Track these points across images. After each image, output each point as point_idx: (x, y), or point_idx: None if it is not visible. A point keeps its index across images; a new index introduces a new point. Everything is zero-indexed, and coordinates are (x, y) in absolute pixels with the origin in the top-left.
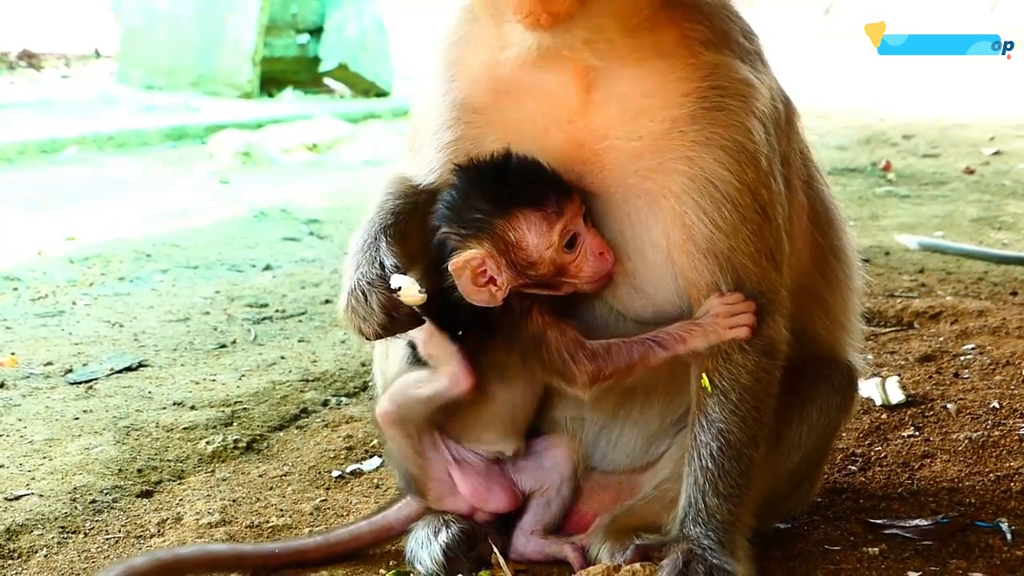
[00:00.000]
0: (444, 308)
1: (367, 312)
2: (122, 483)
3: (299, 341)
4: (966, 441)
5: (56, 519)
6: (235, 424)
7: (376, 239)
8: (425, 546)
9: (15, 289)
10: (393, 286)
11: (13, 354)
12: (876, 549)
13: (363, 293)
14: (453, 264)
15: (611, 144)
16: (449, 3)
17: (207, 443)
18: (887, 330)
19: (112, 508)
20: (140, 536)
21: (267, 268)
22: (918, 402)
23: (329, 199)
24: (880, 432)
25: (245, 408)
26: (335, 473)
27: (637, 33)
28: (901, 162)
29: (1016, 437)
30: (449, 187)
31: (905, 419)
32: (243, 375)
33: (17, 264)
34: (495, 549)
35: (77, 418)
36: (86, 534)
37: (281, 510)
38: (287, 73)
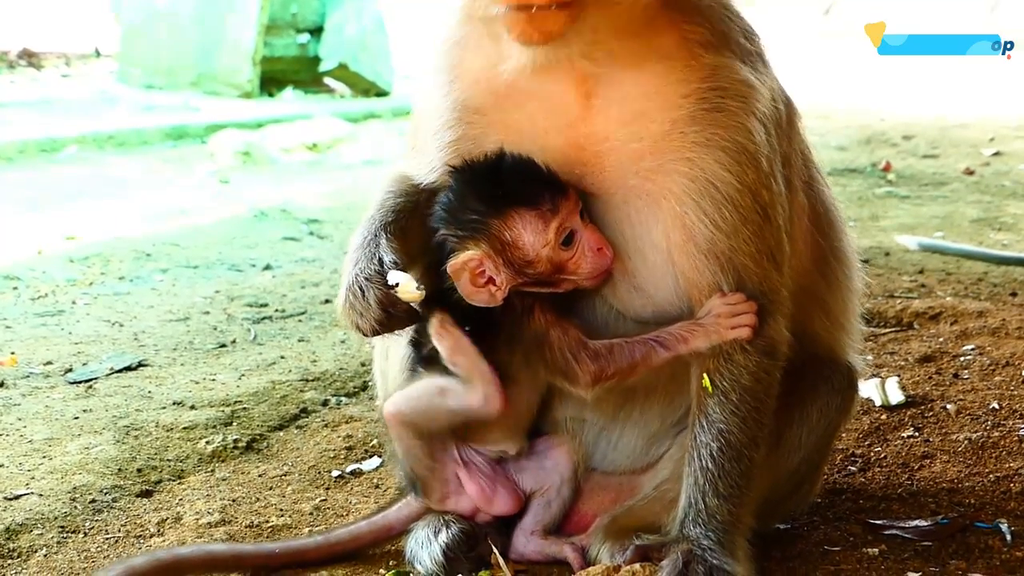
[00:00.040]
0: (448, 309)
1: (364, 308)
2: (122, 483)
3: (299, 341)
4: (966, 442)
5: (56, 519)
6: (235, 424)
7: (376, 236)
8: (425, 546)
9: (15, 288)
10: (390, 282)
11: (13, 353)
12: (876, 550)
13: (360, 289)
14: (451, 266)
15: (612, 146)
16: (449, 2)
17: (207, 443)
18: (887, 331)
19: (112, 508)
20: (140, 536)
21: (267, 268)
22: (918, 403)
23: (329, 199)
24: (880, 433)
25: (245, 408)
26: (335, 473)
27: (635, 37)
28: (901, 162)
29: (1016, 438)
30: (445, 189)
31: (905, 420)
32: (243, 375)
33: (17, 263)
34: (495, 549)
35: (77, 417)
36: (86, 534)
37: (281, 510)
38: (287, 73)
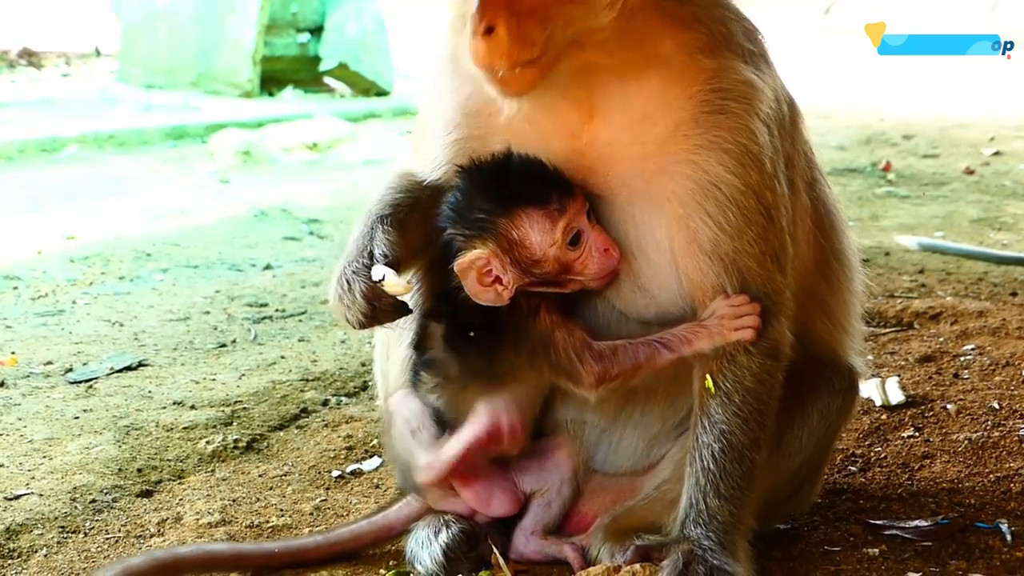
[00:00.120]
0: (453, 310)
1: (351, 301)
2: (122, 483)
3: (299, 341)
4: (966, 442)
5: (56, 519)
6: (235, 424)
7: (371, 229)
8: (425, 546)
9: (15, 288)
10: (374, 276)
11: (13, 353)
12: (876, 550)
13: (347, 282)
14: (458, 264)
15: (615, 150)
16: (449, 2)
17: (207, 443)
18: (887, 330)
19: (112, 508)
20: (140, 536)
21: (267, 267)
22: (918, 403)
23: (329, 198)
24: (880, 433)
25: (245, 408)
26: (335, 473)
27: (631, 49)
28: (901, 162)
29: (1016, 438)
30: (452, 188)
31: (905, 420)
32: (243, 375)
33: (17, 263)
34: (495, 549)
35: (77, 417)
36: (86, 534)
37: (281, 510)
38: (287, 72)
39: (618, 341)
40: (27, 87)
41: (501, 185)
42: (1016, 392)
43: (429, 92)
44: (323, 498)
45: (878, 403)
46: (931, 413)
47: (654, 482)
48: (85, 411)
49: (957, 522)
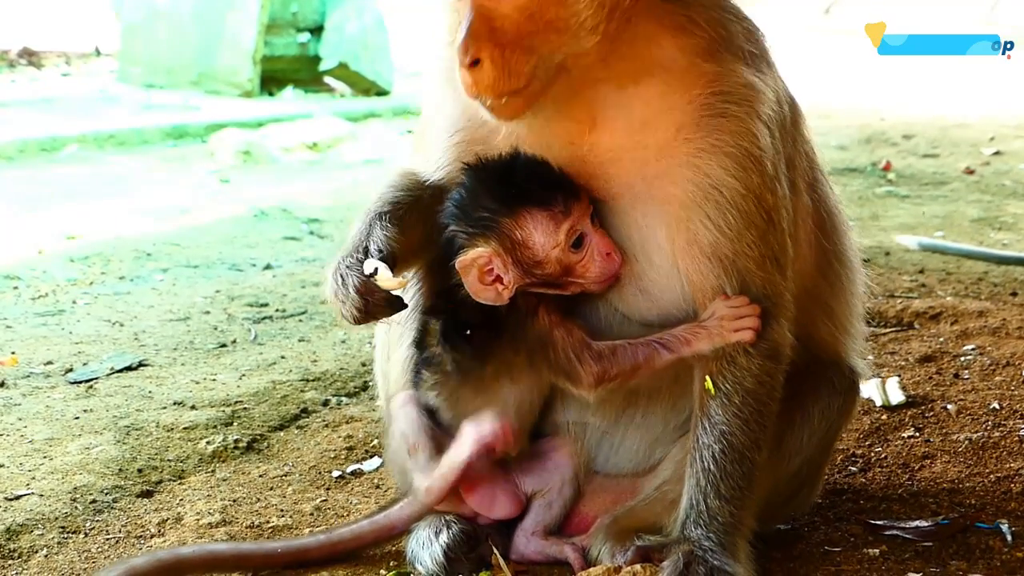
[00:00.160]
0: (453, 308)
1: (344, 295)
2: (122, 483)
3: (299, 341)
4: (966, 442)
5: (56, 519)
6: (235, 424)
7: (369, 226)
8: (426, 546)
9: (15, 288)
10: (366, 270)
11: (13, 353)
12: (876, 550)
13: (341, 277)
14: (460, 262)
15: (616, 155)
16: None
17: (207, 443)
18: (887, 330)
19: (112, 508)
20: (140, 536)
21: (267, 267)
22: (918, 403)
23: (330, 198)
24: (880, 433)
25: (245, 408)
26: (335, 473)
27: (628, 59)
28: (901, 162)
29: (1016, 438)
30: (457, 185)
31: (905, 420)
32: (243, 375)
33: (17, 263)
34: (496, 550)
35: (77, 418)
36: (86, 534)
37: (281, 510)
38: (287, 72)
39: (617, 341)
40: (27, 87)
41: (506, 184)
42: (1016, 392)
43: (431, 93)
44: (324, 498)
45: (878, 403)
46: (931, 413)
47: (655, 483)
48: (85, 411)
49: (957, 522)
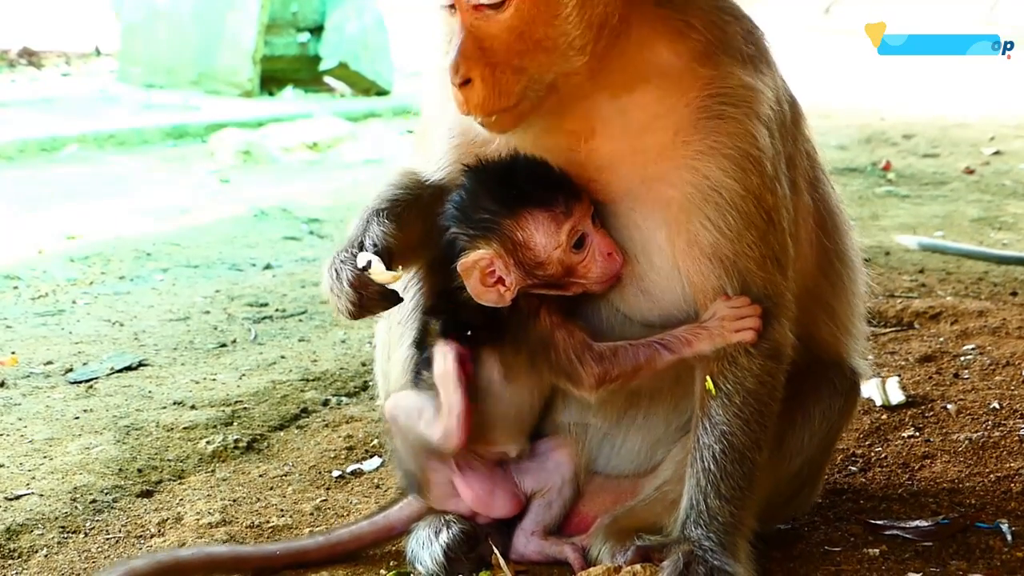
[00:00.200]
0: (454, 309)
1: (339, 290)
2: (122, 483)
3: (299, 340)
4: (966, 442)
5: (56, 519)
6: (235, 424)
7: (366, 222)
8: (426, 546)
9: (15, 288)
10: (359, 263)
11: (13, 353)
12: (876, 550)
13: (336, 271)
14: (462, 264)
15: (616, 158)
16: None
17: (207, 443)
18: (887, 330)
19: (112, 508)
20: (140, 536)
21: (267, 267)
22: (918, 403)
23: (330, 198)
24: (880, 433)
25: (245, 408)
26: (335, 473)
27: (623, 69)
28: (901, 162)
29: (1016, 438)
30: (458, 187)
31: (905, 420)
32: (243, 375)
33: (17, 263)
34: (496, 550)
35: (77, 417)
36: (86, 534)
37: (281, 510)
38: (287, 71)
39: (618, 342)
40: (27, 86)
41: (507, 186)
42: (1016, 392)
43: (431, 94)
44: (323, 498)
45: (878, 403)
46: (931, 413)
47: (655, 483)
48: (85, 411)
49: (957, 522)
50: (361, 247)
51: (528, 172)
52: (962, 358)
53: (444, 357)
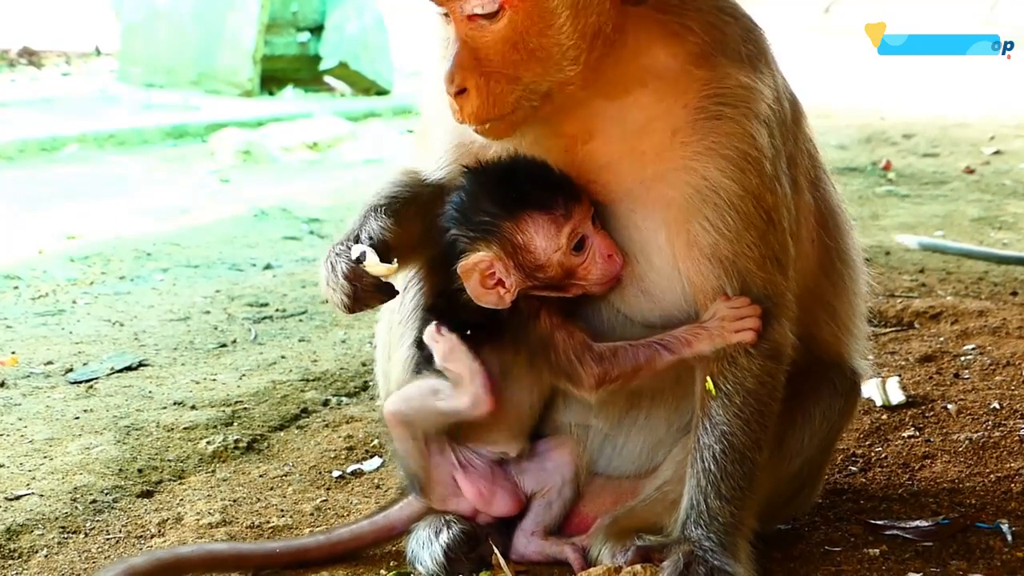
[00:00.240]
0: (454, 309)
1: (335, 282)
2: (122, 483)
3: (299, 340)
4: (966, 442)
5: (56, 519)
6: (235, 424)
7: (364, 217)
8: (426, 546)
9: (15, 288)
10: (353, 255)
11: (13, 353)
12: (877, 550)
13: (331, 264)
14: (462, 266)
15: (614, 159)
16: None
17: (208, 443)
18: (887, 330)
19: (112, 508)
20: (140, 536)
21: (267, 267)
22: (918, 403)
23: (330, 198)
24: (880, 433)
25: (246, 408)
26: (336, 473)
27: (619, 77)
28: (901, 161)
29: (1017, 438)
30: (457, 189)
31: (905, 420)
32: (243, 375)
33: (17, 263)
34: (496, 550)
35: (77, 418)
36: (86, 534)
37: (282, 510)
38: (288, 71)
39: (618, 343)
40: (27, 86)
41: (507, 188)
42: (1017, 392)
43: (431, 94)
44: (324, 498)
45: (879, 403)
46: (932, 413)
47: (655, 483)
48: (85, 411)
49: (958, 522)
50: (357, 240)
51: (528, 174)
52: (962, 358)
53: (443, 335)
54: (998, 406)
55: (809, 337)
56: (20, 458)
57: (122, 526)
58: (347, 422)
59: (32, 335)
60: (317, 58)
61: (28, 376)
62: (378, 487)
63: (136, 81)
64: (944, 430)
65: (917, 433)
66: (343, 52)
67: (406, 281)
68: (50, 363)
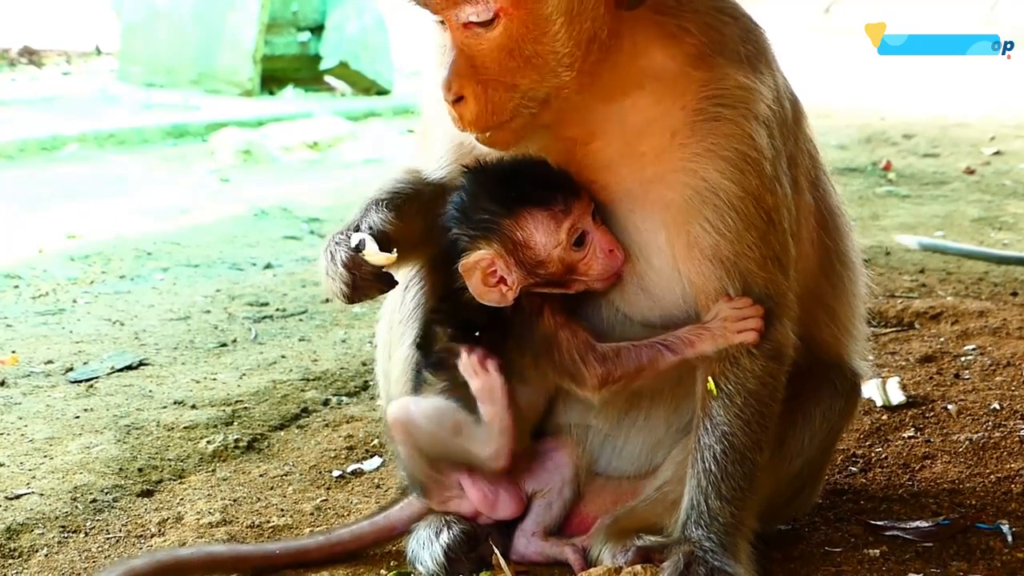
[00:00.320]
0: (456, 309)
1: (333, 271)
2: (123, 482)
3: (300, 340)
4: (967, 442)
5: (57, 518)
6: (236, 423)
7: (366, 210)
8: (426, 546)
9: (16, 287)
10: (352, 243)
11: (14, 352)
12: (877, 551)
13: (331, 253)
14: (463, 265)
15: (614, 160)
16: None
17: (208, 442)
18: (888, 330)
19: (113, 507)
20: (141, 536)
21: (268, 267)
22: (919, 403)
23: (330, 197)
24: (881, 433)
25: (246, 407)
26: (336, 473)
27: (618, 76)
28: (901, 162)
29: (1017, 439)
30: (458, 188)
31: (906, 420)
32: (244, 374)
33: (18, 262)
34: (496, 550)
35: (78, 417)
36: (87, 533)
37: (282, 510)
38: (288, 71)
39: (621, 343)
40: (28, 85)
41: (506, 186)
42: (1017, 392)
43: (431, 93)
44: (324, 498)
45: (879, 403)
46: (932, 413)
47: (655, 483)
48: (86, 410)
49: (958, 523)
50: (357, 230)
51: (527, 172)
52: (962, 358)
53: (489, 371)
54: (998, 407)
55: (809, 338)
56: (20, 457)
57: (122, 525)
58: (347, 422)
59: (32, 334)
60: (317, 58)
61: (28, 375)
62: (378, 487)
63: (136, 81)
64: (944, 431)
65: (917, 434)
66: (343, 52)
67: (407, 280)
68: (50, 362)
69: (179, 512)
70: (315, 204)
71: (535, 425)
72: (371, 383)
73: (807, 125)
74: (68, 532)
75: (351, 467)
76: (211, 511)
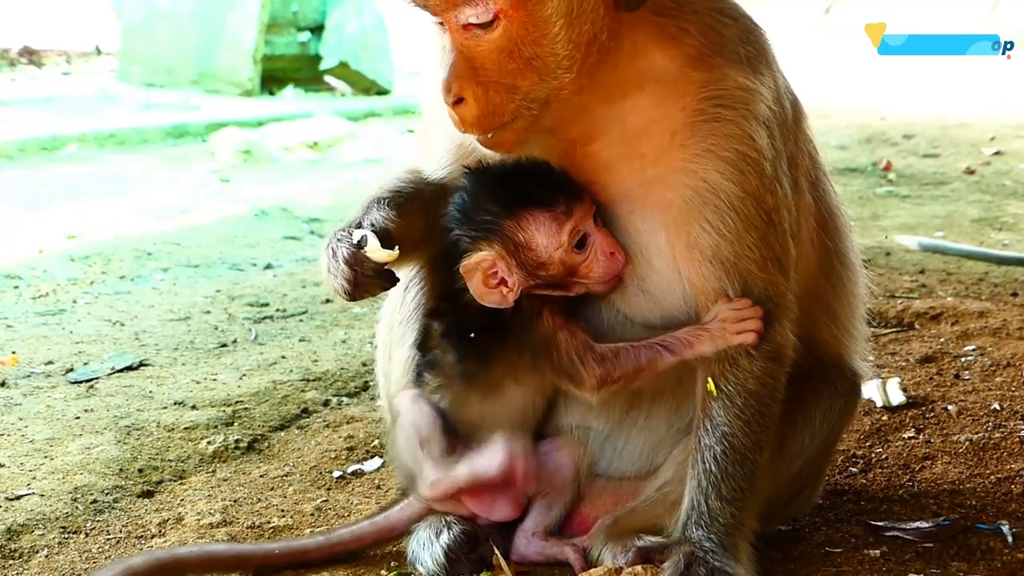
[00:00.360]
0: (456, 310)
1: (335, 268)
2: (123, 483)
3: (300, 340)
4: (967, 443)
5: (57, 519)
6: (236, 424)
7: (368, 208)
8: (427, 547)
9: (16, 287)
10: (354, 239)
11: (14, 353)
12: (877, 551)
13: (332, 250)
14: (464, 266)
15: (614, 161)
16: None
17: (208, 443)
18: (888, 331)
19: (113, 508)
20: (141, 536)
21: (268, 267)
22: (919, 404)
23: (330, 197)
24: (881, 434)
25: (246, 408)
26: (336, 473)
27: (618, 77)
28: (901, 162)
29: (1017, 439)
30: (459, 189)
31: (906, 421)
32: (244, 375)
33: (18, 262)
34: (496, 551)
35: (78, 417)
36: (87, 534)
37: (282, 510)
38: (288, 71)
39: (620, 344)
40: (28, 85)
41: (508, 187)
42: (1017, 393)
43: (431, 93)
44: (324, 499)
45: (879, 404)
46: (932, 414)
47: (656, 484)
48: (86, 411)
49: (958, 523)
50: (359, 227)
51: (528, 173)
52: (963, 359)
53: (501, 458)
54: (998, 407)
55: (809, 338)
56: (20, 458)
57: (122, 526)
58: (348, 422)
59: (32, 335)
60: (317, 58)
61: (28, 376)
62: (379, 487)
63: (136, 81)
64: (944, 431)
65: (917, 434)
66: (343, 52)
67: (407, 280)
68: (50, 363)
69: (179, 513)
70: (315, 204)
71: (535, 426)
72: (371, 384)
73: (807, 125)
74: (68, 533)
75: (351, 468)
76: (211, 512)
